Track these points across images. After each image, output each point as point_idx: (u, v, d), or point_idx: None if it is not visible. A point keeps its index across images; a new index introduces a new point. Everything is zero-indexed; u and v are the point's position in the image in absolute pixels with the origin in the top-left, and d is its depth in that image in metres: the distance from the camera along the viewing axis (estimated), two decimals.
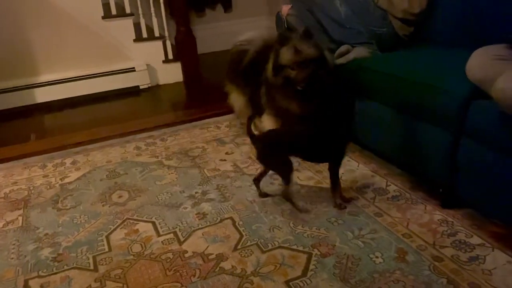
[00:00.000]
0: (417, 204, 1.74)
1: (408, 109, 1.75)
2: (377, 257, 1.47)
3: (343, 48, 2.17)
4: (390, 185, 1.89)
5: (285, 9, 2.39)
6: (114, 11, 3.49)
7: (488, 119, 1.42)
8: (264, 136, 1.86)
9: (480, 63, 1.43)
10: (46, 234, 1.75)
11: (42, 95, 3.35)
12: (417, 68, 1.80)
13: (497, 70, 1.34)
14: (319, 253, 1.51)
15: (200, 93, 3.50)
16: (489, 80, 1.36)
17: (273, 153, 1.75)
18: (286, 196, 1.76)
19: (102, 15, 3.45)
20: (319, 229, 1.63)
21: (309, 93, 1.92)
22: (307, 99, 1.96)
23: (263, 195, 1.88)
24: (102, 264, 1.54)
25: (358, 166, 2.07)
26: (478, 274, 1.36)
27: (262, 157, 1.78)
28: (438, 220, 1.63)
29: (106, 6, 3.48)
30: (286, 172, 1.73)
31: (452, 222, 1.61)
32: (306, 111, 2.01)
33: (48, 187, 2.13)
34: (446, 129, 1.57)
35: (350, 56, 2.11)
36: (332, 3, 2.17)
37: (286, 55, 1.89)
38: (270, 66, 1.99)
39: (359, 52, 2.11)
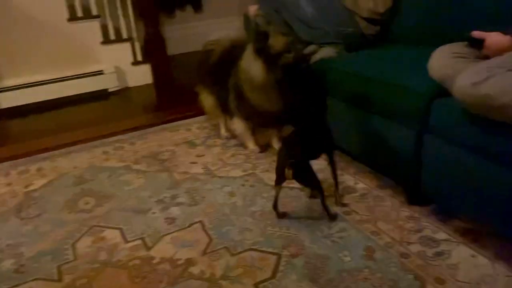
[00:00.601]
0: (385, 202, 1.76)
1: (374, 107, 1.77)
2: (345, 255, 1.47)
3: (310, 48, 2.18)
4: (358, 183, 1.91)
5: (253, 9, 2.39)
6: (80, 13, 3.41)
7: (450, 117, 1.44)
8: (292, 148, 1.63)
9: (441, 61, 1.46)
10: (8, 244, 1.68)
11: (6, 100, 3.25)
12: (382, 67, 1.82)
13: (458, 68, 1.36)
14: (288, 253, 1.50)
15: (171, 95, 3.46)
16: (450, 78, 1.39)
17: (307, 164, 1.61)
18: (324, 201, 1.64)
19: (68, 17, 3.38)
20: (289, 229, 1.63)
21: (299, 83, 1.92)
22: (297, 92, 1.96)
23: (282, 215, 1.72)
24: (67, 274, 1.50)
25: (327, 165, 2.07)
26: (444, 269, 1.38)
27: (301, 174, 1.58)
28: (405, 216, 1.65)
29: (71, 8, 3.40)
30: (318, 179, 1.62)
31: (419, 218, 1.63)
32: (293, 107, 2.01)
33: (12, 195, 2.05)
34: (411, 126, 1.59)
35: (318, 56, 2.12)
36: (298, 3, 2.18)
37: (278, 42, 1.90)
38: (256, 69, 1.95)
39: (326, 52, 2.13)
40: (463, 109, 1.34)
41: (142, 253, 1.57)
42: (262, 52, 1.92)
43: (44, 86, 3.32)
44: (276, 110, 2.04)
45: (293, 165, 1.55)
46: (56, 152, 2.49)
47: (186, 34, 4.49)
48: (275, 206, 1.69)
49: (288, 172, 1.55)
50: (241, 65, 2.02)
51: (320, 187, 1.63)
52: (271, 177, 1.98)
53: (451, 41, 1.54)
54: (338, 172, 1.82)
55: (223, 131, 2.50)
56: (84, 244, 1.65)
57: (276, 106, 2.02)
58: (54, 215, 1.87)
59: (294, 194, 1.85)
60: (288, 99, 1.99)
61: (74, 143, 2.57)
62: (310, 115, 1.72)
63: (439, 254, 1.44)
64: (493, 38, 1.37)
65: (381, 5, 2.16)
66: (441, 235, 1.53)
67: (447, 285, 1.32)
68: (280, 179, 1.62)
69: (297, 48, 1.94)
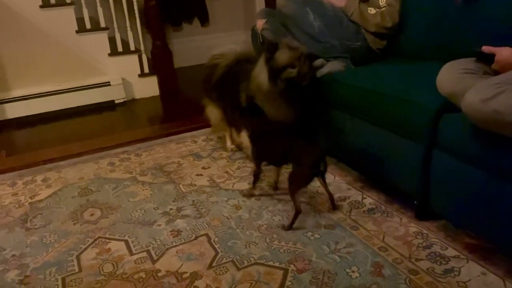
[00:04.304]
0: (393, 217, 1.74)
1: (381, 122, 1.76)
2: (353, 271, 1.45)
3: (317, 62, 2.18)
4: (366, 197, 1.89)
5: (260, 23, 2.40)
6: (88, 25, 3.45)
7: (459, 132, 1.44)
8: None
9: (449, 77, 1.46)
10: (13, 255, 1.68)
11: (13, 111, 3.27)
12: (390, 81, 1.82)
13: (466, 84, 1.36)
14: (295, 268, 1.48)
15: (177, 107, 3.48)
16: (459, 94, 1.38)
17: None
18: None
19: (76, 29, 3.41)
20: (295, 244, 1.61)
21: (304, 95, 1.97)
22: (300, 104, 2.01)
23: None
24: (71, 286, 1.48)
25: (334, 178, 2.07)
26: (453, 286, 1.36)
27: None
28: (413, 232, 1.63)
29: (80, 20, 3.44)
30: None
31: (427, 234, 1.61)
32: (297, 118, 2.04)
33: (17, 205, 2.05)
34: (419, 141, 1.58)
35: (325, 70, 2.12)
36: (306, 17, 2.19)
37: (283, 55, 1.91)
38: (263, 77, 1.97)
39: (333, 66, 2.13)
40: (472, 125, 1.33)
41: (148, 265, 1.56)
42: (269, 62, 1.94)
43: (52, 96, 3.34)
44: (286, 121, 2.05)
45: None
46: (62, 162, 2.49)
47: (192, 47, 4.53)
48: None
49: None
50: (253, 74, 2.03)
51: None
52: (277, 190, 1.99)
53: (458, 55, 1.54)
54: (345, 185, 1.82)
55: (229, 144, 2.50)
56: (89, 256, 1.64)
57: (285, 117, 2.03)
58: (59, 226, 1.86)
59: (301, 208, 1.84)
60: (296, 109, 2.02)
61: (80, 154, 2.57)
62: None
63: (448, 271, 1.42)
64: (504, 53, 1.37)
65: (389, 20, 2.16)
66: (451, 252, 1.51)
67: None
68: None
69: (303, 64, 1.92)
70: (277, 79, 1.93)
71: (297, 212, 1.70)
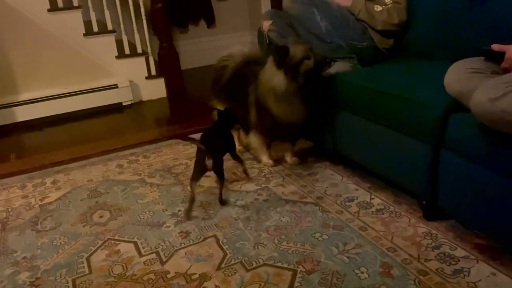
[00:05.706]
0: (401, 217, 1.73)
1: (389, 122, 1.76)
2: (362, 272, 1.45)
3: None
4: (374, 198, 1.89)
5: (266, 24, 2.40)
6: (95, 28, 3.48)
7: (467, 132, 1.43)
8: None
9: (457, 77, 1.45)
10: (24, 257, 1.69)
11: (22, 114, 3.30)
12: (397, 81, 1.81)
13: (474, 84, 1.35)
14: (304, 269, 1.49)
15: (184, 109, 3.49)
16: (467, 93, 1.37)
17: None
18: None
19: (84, 32, 3.44)
20: (304, 245, 1.62)
21: (317, 92, 2.05)
22: (312, 102, 2.07)
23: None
24: None
25: (342, 179, 2.07)
26: (463, 287, 1.35)
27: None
28: (422, 233, 1.63)
29: (87, 23, 3.46)
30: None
31: (436, 234, 1.61)
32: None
33: (28, 208, 2.07)
34: (426, 141, 1.58)
35: (331, 70, 2.12)
36: (312, 18, 2.18)
37: (298, 50, 1.98)
38: (278, 79, 1.99)
39: (340, 66, 2.12)
40: (480, 124, 1.33)
41: (157, 267, 1.57)
42: (283, 64, 1.97)
43: (60, 99, 3.36)
44: (298, 121, 2.08)
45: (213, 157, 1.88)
46: (71, 165, 2.52)
47: (199, 49, 4.54)
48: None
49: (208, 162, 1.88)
50: (261, 78, 2.04)
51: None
52: (285, 191, 1.99)
53: (465, 55, 1.53)
54: (353, 186, 1.85)
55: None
56: (99, 258, 1.65)
57: (299, 116, 2.06)
58: (69, 228, 1.87)
59: (309, 209, 1.84)
60: (310, 105, 2.05)
61: (88, 156, 2.59)
62: None
63: (458, 272, 1.41)
64: None
65: (396, 17, 2.15)
66: (460, 252, 1.50)
67: None
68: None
69: (315, 53, 1.99)
70: (296, 75, 1.96)
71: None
